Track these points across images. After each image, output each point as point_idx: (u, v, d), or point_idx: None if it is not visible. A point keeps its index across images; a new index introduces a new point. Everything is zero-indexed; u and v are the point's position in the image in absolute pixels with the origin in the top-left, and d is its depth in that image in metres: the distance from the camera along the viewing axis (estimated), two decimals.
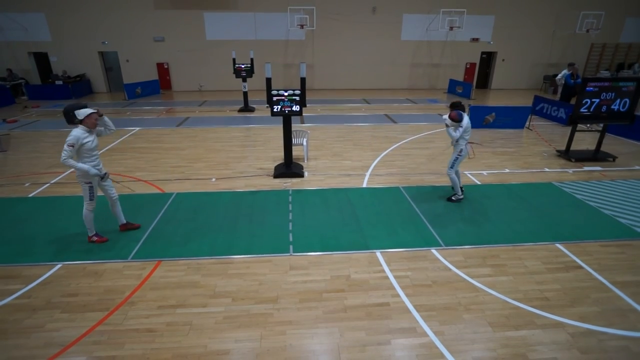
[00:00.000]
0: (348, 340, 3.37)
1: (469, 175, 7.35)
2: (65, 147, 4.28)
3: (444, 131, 10.77)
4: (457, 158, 5.74)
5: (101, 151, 8.85)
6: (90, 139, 4.49)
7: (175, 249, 4.77)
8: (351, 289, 4.06)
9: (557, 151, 8.74)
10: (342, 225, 5.40)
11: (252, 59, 13.76)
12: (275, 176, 7.17)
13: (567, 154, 8.32)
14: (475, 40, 19.02)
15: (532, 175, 7.39)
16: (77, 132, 4.39)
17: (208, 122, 11.89)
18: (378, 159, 8.33)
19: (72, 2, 16.67)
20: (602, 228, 5.33)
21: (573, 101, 10.45)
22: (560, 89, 13.21)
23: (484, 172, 7.51)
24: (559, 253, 4.74)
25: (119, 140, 9.79)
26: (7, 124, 11.57)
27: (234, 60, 13.71)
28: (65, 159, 4.29)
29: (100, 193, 4.83)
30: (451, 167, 5.85)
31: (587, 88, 7.56)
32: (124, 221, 5.20)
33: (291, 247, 4.84)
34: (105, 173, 4.72)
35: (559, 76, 12.98)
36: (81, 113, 4.45)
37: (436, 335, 3.41)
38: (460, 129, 5.59)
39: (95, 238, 4.92)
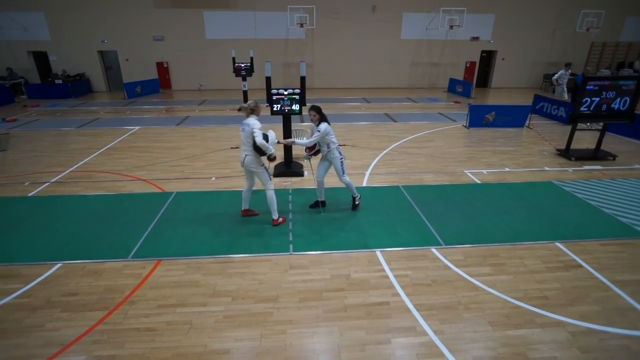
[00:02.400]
0: (348, 339, 3.36)
1: (469, 174, 7.35)
2: (258, 131, 4.72)
3: (444, 130, 10.78)
4: (341, 162, 5.34)
5: (100, 150, 8.85)
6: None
7: (175, 248, 4.77)
8: (351, 288, 4.06)
9: (557, 150, 8.74)
10: (342, 224, 5.39)
11: (251, 58, 13.75)
12: (275, 175, 7.16)
13: (567, 153, 8.31)
14: (475, 39, 19.00)
15: (532, 174, 7.38)
16: (256, 120, 4.86)
17: (208, 121, 11.88)
18: (378, 158, 8.32)
19: (71, 1, 16.64)
20: (602, 227, 5.33)
21: None
22: (557, 89, 13.19)
23: (484, 171, 7.50)
24: (559, 252, 4.74)
25: (118, 140, 9.78)
26: (7, 123, 11.55)
27: (233, 59, 13.70)
28: (261, 139, 4.71)
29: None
30: (343, 173, 5.40)
31: (588, 87, 7.55)
32: (247, 207, 5.51)
33: (291, 246, 4.84)
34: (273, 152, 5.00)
35: (556, 76, 12.96)
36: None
37: (436, 334, 3.41)
38: (318, 133, 5.04)
39: (280, 219, 5.33)
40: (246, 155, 4.97)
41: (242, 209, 5.54)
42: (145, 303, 3.81)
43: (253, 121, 4.83)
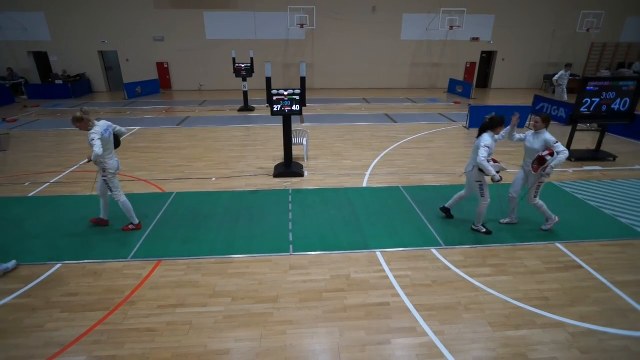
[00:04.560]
0: (348, 340, 3.36)
1: None
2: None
3: (443, 130, 10.77)
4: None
5: None
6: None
7: (175, 249, 4.77)
8: (351, 288, 4.06)
9: None
10: (342, 224, 5.39)
11: (252, 59, 13.75)
12: (275, 176, 7.17)
13: None
14: (475, 39, 19.01)
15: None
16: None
17: (208, 122, 11.88)
18: (378, 158, 8.32)
19: (72, 2, 16.64)
20: (602, 228, 5.32)
21: None
22: (557, 89, 13.20)
23: None
24: (559, 253, 4.74)
25: None
26: (7, 124, 11.56)
27: (234, 59, 13.70)
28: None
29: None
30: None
31: (588, 87, 7.55)
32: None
33: (291, 246, 4.84)
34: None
35: (556, 77, 12.97)
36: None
37: (436, 335, 3.41)
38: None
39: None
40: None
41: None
42: (145, 303, 3.81)
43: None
